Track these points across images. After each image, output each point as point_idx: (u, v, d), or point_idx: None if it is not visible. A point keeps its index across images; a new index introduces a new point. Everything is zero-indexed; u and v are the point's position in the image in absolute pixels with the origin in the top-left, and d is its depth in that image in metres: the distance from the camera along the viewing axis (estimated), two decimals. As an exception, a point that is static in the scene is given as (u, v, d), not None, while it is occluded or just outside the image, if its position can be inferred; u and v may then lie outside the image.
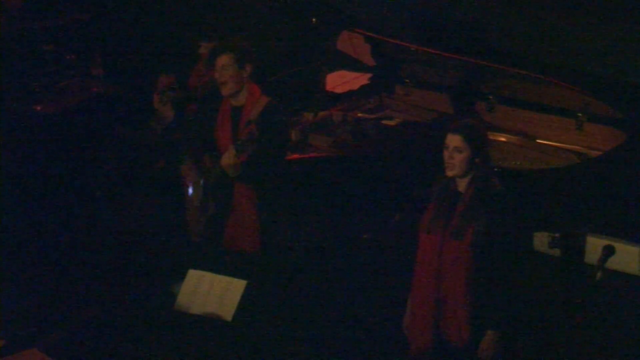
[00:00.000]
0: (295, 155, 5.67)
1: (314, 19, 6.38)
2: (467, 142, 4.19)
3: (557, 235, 5.69)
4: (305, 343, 4.86)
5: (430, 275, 4.26)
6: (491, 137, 5.79)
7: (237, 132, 4.96)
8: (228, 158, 4.87)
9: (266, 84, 5.25)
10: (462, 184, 4.26)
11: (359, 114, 6.18)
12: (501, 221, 4.16)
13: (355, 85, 6.54)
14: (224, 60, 4.92)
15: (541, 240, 5.85)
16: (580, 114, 5.67)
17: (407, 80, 6.38)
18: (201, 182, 5.14)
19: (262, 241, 5.02)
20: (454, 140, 4.21)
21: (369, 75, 6.57)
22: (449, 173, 4.24)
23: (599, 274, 3.98)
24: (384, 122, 6.12)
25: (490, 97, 5.98)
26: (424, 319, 4.31)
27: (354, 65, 6.63)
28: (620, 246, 4.78)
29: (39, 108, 6.72)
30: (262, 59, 5.13)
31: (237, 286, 4.29)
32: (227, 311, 4.25)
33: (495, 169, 4.99)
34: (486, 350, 4.22)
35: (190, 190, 5.37)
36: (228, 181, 4.97)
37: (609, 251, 4.03)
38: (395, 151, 5.72)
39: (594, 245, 5.34)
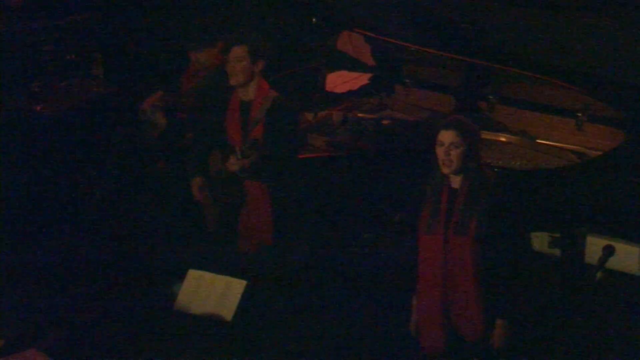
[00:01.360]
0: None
1: (314, 19, 6.38)
2: (461, 136, 4.18)
3: (557, 235, 5.69)
4: (306, 344, 4.85)
5: (437, 274, 4.27)
6: (491, 137, 5.81)
7: (247, 127, 4.98)
8: (232, 164, 4.88)
9: (271, 82, 5.25)
10: (456, 181, 4.25)
11: (359, 114, 6.18)
12: (501, 209, 4.17)
13: (356, 85, 6.54)
14: (238, 51, 4.93)
15: (541, 240, 5.85)
16: (580, 114, 5.68)
17: (407, 80, 6.38)
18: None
19: (275, 234, 5.03)
20: (449, 136, 4.19)
21: (369, 75, 6.56)
22: (446, 170, 4.22)
23: (599, 274, 3.98)
24: (384, 122, 6.12)
25: (490, 97, 5.99)
26: (435, 318, 4.32)
27: (354, 65, 6.63)
28: (620, 246, 4.78)
29: (39, 108, 6.70)
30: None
31: (237, 286, 4.29)
32: (227, 311, 4.25)
33: (495, 169, 4.99)
34: (498, 339, 4.25)
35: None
36: (238, 179, 4.98)
37: (609, 251, 4.03)
38: (395, 151, 5.72)
39: (594, 245, 5.34)
